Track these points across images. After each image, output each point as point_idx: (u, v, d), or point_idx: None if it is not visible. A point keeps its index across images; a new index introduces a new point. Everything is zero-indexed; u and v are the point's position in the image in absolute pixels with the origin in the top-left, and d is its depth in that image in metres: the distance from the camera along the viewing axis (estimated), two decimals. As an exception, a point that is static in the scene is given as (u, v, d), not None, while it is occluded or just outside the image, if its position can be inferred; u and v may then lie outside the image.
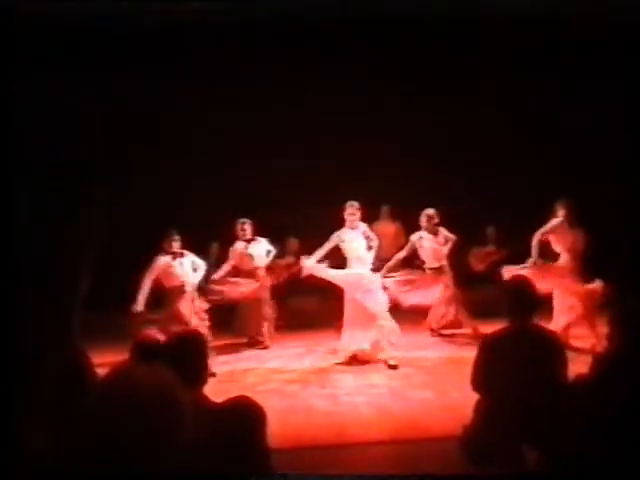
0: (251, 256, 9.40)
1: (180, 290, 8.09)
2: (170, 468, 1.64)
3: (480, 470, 4.06)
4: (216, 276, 9.05)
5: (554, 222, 8.17)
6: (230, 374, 7.92)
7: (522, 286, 4.60)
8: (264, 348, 9.38)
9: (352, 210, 8.13)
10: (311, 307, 10.60)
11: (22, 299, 2.35)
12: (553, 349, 4.33)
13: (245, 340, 9.56)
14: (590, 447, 3.24)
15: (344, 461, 5.04)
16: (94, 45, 8.85)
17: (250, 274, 9.43)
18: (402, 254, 9.06)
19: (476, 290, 9.76)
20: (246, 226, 9.40)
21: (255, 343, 9.47)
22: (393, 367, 7.77)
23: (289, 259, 10.43)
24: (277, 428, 4.54)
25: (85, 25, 7.90)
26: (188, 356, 3.35)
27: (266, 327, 9.51)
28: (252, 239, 9.45)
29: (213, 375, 7.26)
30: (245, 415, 2.91)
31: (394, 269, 8.77)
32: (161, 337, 4.42)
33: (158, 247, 8.19)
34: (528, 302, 4.41)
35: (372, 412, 6.26)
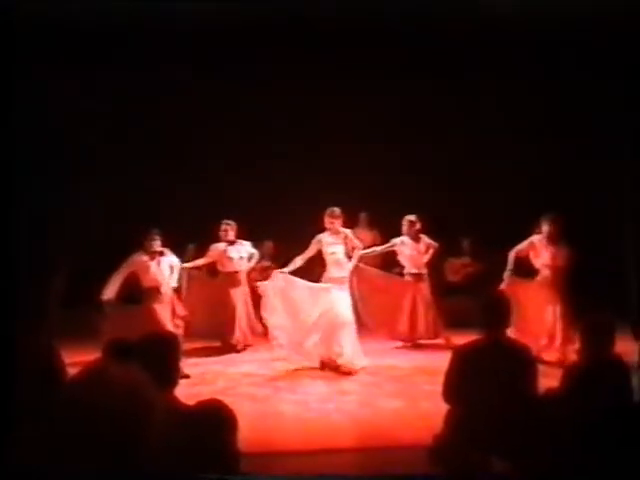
0: (230, 258, 9.34)
1: (156, 291, 8.04)
2: (140, 467, 1.62)
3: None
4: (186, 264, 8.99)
5: (531, 239, 8.23)
6: (201, 377, 7.87)
7: (496, 299, 4.64)
8: (237, 352, 9.30)
9: (333, 216, 8.17)
10: None
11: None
12: (525, 362, 4.36)
13: (218, 344, 9.45)
14: (559, 459, 3.26)
15: (313, 467, 5.03)
16: (94, 45, 8.85)
17: (229, 276, 9.39)
18: (379, 249, 9.27)
19: (450, 300, 9.81)
20: (229, 228, 9.32)
21: (228, 347, 9.36)
22: (347, 373, 7.79)
23: (264, 263, 10.38)
24: (247, 432, 4.53)
25: (85, 25, 7.88)
26: (160, 357, 3.33)
27: (241, 330, 9.41)
28: (234, 241, 9.37)
29: (187, 377, 7.25)
30: (216, 418, 2.90)
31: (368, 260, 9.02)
32: (134, 338, 4.39)
33: (137, 245, 8.15)
34: (502, 315, 4.44)
35: (342, 419, 6.25)
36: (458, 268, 10.66)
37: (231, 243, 9.35)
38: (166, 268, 8.19)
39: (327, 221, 8.19)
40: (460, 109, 10.70)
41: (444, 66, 9.91)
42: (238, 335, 9.35)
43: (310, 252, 8.19)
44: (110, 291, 7.84)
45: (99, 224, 10.68)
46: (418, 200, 9.87)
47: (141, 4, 7.63)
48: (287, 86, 10.44)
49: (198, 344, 9.23)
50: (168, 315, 8.03)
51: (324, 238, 8.21)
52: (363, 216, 11.16)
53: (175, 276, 8.33)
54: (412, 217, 9.14)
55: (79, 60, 8.87)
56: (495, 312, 4.42)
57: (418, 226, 9.13)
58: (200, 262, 9.32)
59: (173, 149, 10.97)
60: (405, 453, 5.14)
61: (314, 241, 8.17)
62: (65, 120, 9.15)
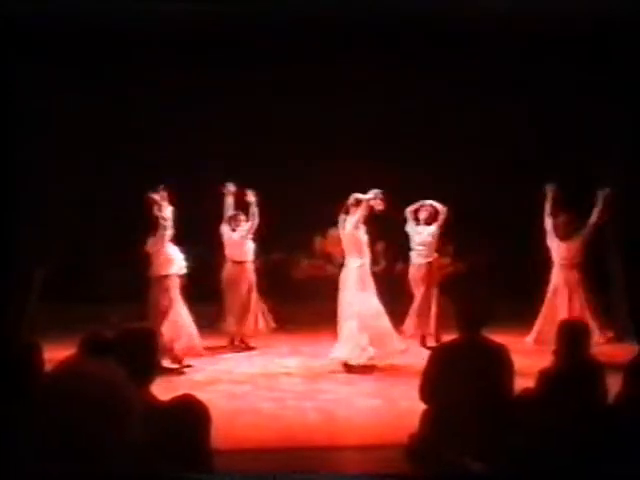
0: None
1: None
2: (116, 463, 1.62)
3: (424, 479, 4.10)
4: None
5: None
6: (179, 373, 7.85)
7: (473, 299, 4.68)
8: (249, 349, 9.18)
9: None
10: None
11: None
12: (501, 362, 4.40)
13: (226, 343, 9.26)
14: (533, 459, 3.29)
15: (289, 464, 5.03)
16: (93, 45, 8.83)
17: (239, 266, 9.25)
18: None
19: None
20: (241, 217, 9.18)
21: (239, 346, 9.21)
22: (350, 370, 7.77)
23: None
24: (224, 429, 4.52)
25: (85, 25, 7.86)
26: (138, 352, 3.31)
27: (253, 324, 9.24)
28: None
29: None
30: (189, 413, 2.89)
31: None
32: (110, 333, 4.36)
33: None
34: (478, 315, 4.48)
35: (319, 417, 6.26)
36: (439, 268, 10.70)
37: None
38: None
39: (351, 204, 8.05)
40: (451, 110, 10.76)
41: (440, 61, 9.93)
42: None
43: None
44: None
45: (81, 221, 10.71)
46: (402, 198, 9.93)
47: (141, 4, 7.64)
48: (292, 79, 10.41)
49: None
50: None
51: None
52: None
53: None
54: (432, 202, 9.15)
55: (78, 59, 8.91)
56: (472, 312, 4.46)
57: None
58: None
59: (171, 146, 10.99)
60: (381, 452, 5.17)
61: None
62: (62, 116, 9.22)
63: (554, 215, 8.27)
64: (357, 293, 7.92)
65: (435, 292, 9.08)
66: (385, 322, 7.93)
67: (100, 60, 8.97)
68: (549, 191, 8.23)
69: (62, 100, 9.15)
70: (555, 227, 8.24)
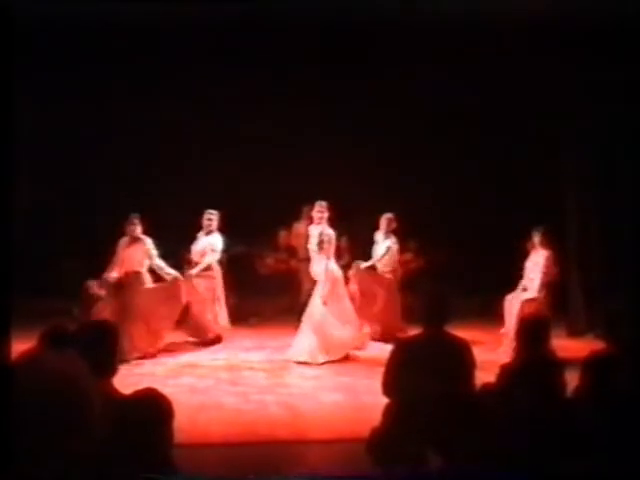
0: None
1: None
2: (76, 456, 1.60)
3: (385, 473, 4.12)
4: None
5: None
6: (140, 367, 7.80)
7: (437, 294, 4.71)
8: (214, 343, 9.17)
9: (320, 209, 8.41)
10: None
11: None
12: (462, 357, 4.44)
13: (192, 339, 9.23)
14: (493, 454, 3.33)
15: (251, 459, 5.03)
16: (93, 45, 8.77)
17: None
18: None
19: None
20: (213, 217, 9.17)
21: (205, 340, 9.17)
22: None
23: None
24: (186, 424, 4.50)
25: (85, 25, 7.78)
26: (98, 345, 3.29)
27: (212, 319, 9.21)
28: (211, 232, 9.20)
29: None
30: (151, 407, 2.87)
31: None
32: (71, 326, 4.31)
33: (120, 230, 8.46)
34: (442, 310, 4.52)
35: (281, 412, 6.26)
36: (401, 264, 10.75)
37: (209, 233, 9.18)
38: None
39: (316, 211, 8.45)
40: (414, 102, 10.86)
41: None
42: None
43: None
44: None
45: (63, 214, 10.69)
46: (369, 195, 10.01)
47: (141, 4, 7.60)
48: (273, 81, 10.51)
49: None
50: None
51: (310, 230, 8.52)
52: (306, 209, 11.12)
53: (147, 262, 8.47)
54: (389, 215, 9.44)
55: (78, 59, 8.89)
56: (435, 307, 4.50)
57: (394, 225, 9.44)
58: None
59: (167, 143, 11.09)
60: (343, 446, 5.19)
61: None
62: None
63: None
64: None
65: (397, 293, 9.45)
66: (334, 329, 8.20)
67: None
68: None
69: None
70: None
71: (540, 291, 8.42)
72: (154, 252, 8.57)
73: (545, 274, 8.47)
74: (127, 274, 8.34)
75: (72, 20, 7.47)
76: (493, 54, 9.07)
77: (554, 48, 8.66)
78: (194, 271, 8.96)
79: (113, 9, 7.48)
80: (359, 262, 9.33)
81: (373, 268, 9.47)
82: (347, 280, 8.87)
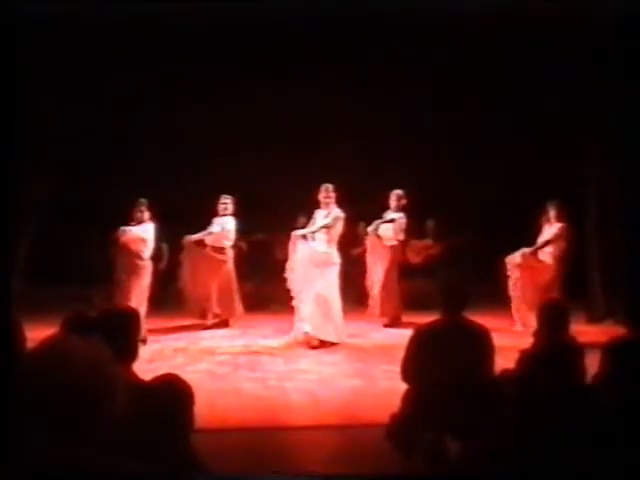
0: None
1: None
2: (100, 442, 1.62)
3: (405, 459, 4.14)
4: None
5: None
6: (160, 353, 7.86)
7: (455, 280, 4.71)
8: (223, 326, 9.38)
9: (326, 192, 8.42)
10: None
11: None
12: (482, 343, 4.43)
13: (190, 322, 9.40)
14: (512, 440, 3.33)
15: (270, 445, 5.05)
16: (93, 45, 8.79)
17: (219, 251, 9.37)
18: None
19: (411, 282, 9.89)
20: (227, 202, 9.32)
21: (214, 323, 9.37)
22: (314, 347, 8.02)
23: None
24: (205, 409, 4.53)
25: (85, 25, 7.80)
26: (120, 332, 3.31)
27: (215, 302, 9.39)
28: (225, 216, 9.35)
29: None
30: (172, 393, 2.89)
31: None
32: (92, 313, 4.35)
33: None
34: (460, 296, 4.51)
35: (300, 398, 6.28)
36: (419, 250, 10.74)
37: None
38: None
39: (322, 195, 8.45)
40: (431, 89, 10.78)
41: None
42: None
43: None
44: None
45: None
46: (386, 178, 9.97)
47: (140, 4, 7.61)
48: (278, 70, 10.49)
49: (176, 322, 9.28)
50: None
51: (316, 213, 8.52)
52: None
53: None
54: (399, 191, 9.44)
55: (78, 59, 8.91)
56: (454, 294, 4.49)
57: (404, 201, 9.41)
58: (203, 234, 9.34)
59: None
60: (363, 432, 5.20)
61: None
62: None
63: None
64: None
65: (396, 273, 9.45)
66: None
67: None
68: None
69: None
70: None
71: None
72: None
73: (553, 242, 8.55)
74: None
75: (72, 20, 7.47)
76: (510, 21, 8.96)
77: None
78: (194, 236, 9.23)
79: (113, 9, 7.49)
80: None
81: (379, 237, 9.46)
82: None
